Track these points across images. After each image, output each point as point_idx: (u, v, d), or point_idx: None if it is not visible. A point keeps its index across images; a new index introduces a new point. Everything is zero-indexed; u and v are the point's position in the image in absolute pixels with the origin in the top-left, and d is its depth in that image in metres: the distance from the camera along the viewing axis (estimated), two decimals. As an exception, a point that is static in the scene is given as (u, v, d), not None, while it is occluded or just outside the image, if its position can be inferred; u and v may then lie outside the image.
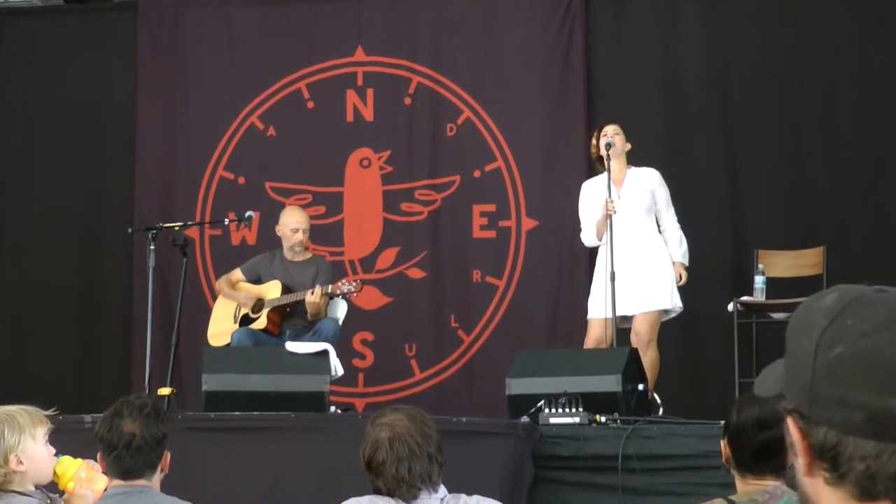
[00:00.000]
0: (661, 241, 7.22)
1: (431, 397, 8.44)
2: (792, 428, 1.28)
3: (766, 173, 8.38)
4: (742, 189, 8.41)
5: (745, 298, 7.65)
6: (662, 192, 7.26)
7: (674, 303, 7.13)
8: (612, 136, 7.21)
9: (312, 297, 7.20)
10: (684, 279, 7.19)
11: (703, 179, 8.40)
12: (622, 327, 7.09)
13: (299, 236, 7.60)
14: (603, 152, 7.16)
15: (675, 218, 7.28)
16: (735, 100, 8.49)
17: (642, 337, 7.03)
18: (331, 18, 9.06)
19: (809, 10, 8.48)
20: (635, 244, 7.12)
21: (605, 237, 6.99)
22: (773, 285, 7.70)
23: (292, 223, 7.63)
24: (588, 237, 7.26)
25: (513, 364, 6.53)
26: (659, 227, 7.27)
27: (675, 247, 7.24)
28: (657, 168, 7.34)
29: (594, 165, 7.51)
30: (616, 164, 7.19)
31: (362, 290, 7.40)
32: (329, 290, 7.21)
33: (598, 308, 7.04)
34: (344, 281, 7.29)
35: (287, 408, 5.98)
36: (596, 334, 7.02)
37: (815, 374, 1.24)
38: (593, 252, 7.52)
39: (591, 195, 7.27)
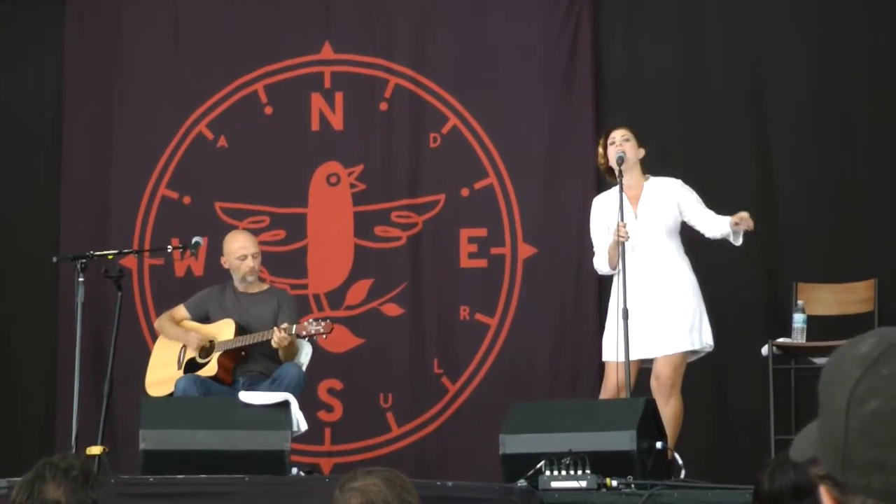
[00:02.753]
0: (686, 267, 7.19)
1: (411, 457, 8.45)
2: (825, 497, 1.28)
3: (807, 192, 8.39)
4: (778, 211, 8.42)
5: (781, 340, 7.67)
6: (689, 196, 7.22)
7: (703, 341, 7.12)
8: (620, 145, 7.22)
9: (278, 340, 7.16)
10: (750, 223, 7.02)
11: (731, 200, 8.38)
12: (644, 367, 7.10)
13: (249, 262, 7.59)
14: (614, 166, 7.18)
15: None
16: (768, 106, 8.50)
17: (664, 382, 7.02)
18: (293, 9, 9.09)
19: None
20: (655, 272, 7.11)
21: (620, 266, 7.00)
22: (816, 325, 7.72)
23: (237, 249, 7.62)
24: (601, 264, 7.26)
25: (507, 418, 6.54)
26: (704, 231, 7.19)
27: (715, 220, 7.12)
28: (677, 184, 7.36)
29: (604, 179, 7.54)
30: (630, 177, 7.20)
31: (332, 332, 7.38)
32: (294, 332, 7.20)
33: (614, 349, 7.01)
34: (311, 320, 7.28)
35: (241, 470, 5.98)
36: (615, 380, 7.01)
37: (848, 434, 1.24)
38: (604, 284, 7.52)
39: (605, 213, 7.26)
